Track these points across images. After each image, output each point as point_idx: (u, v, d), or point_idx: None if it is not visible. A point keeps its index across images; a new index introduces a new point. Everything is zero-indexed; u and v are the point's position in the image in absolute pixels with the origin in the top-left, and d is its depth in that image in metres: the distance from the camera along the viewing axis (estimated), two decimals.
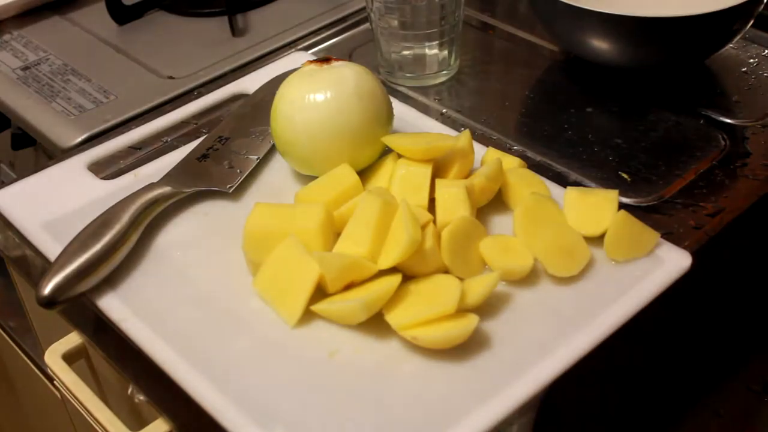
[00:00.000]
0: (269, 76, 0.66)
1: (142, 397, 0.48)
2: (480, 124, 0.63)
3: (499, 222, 0.53)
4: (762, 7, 0.62)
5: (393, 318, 0.45)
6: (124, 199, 0.52)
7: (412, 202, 0.49)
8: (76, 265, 0.48)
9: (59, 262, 0.48)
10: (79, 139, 0.65)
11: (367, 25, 0.74)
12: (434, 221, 0.49)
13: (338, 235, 0.48)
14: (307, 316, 0.46)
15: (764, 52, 0.70)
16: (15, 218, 0.55)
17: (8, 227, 0.55)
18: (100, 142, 0.62)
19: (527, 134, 0.62)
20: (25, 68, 0.74)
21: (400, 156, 0.53)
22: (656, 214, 0.54)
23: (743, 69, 0.68)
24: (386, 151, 0.55)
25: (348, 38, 0.75)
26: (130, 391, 0.49)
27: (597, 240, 0.50)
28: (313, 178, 0.54)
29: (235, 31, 0.77)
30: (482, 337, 0.45)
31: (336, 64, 0.54)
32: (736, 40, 0.64)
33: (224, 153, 0.58)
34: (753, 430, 0.51)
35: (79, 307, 0.49)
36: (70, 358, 0.54)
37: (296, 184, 0.56)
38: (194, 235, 0.53)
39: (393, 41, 0.66)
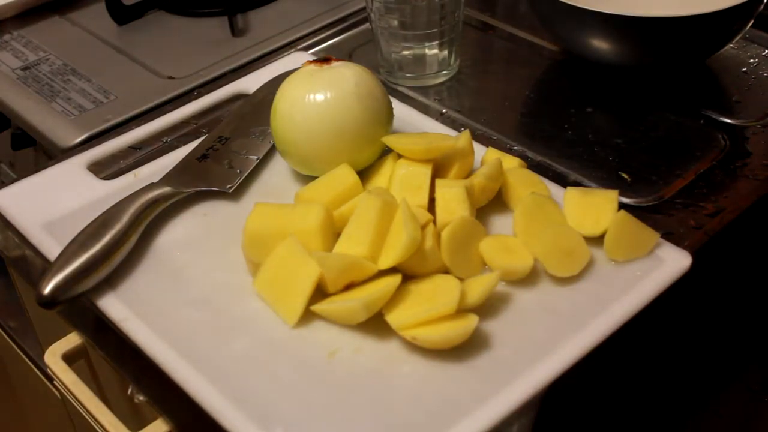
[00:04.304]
0: (269, 76, 0.66)
1: (142, 397, 0.48)
2: (480, 124, 0.63)
3: (499, 222, 0.53)
4: (762, 7, 0.62)
5: (393, 318, 0.45)
6: (124, 199, 0.52)
7: (412, 202, 0.49)
8: (76, 265, 0.48)
9: (59, 262, 0.48)
10: (79, 139, 0.65)
11: (367, 25, 0.74)
12: (434, 221, 0.49)
13: (338, 235, 0.48)
14: (307, 316, 0.46)
15: (764, 52, 0.70)
16: (15, 218, 0.55)
17: (8, 227, 0.55)
18: (100, 142, 0.62)
19: (527, 134, 0.62)
20: (25, 68, 0.74)
21: (400, 156, 0.53)
22: (656, 214, 0.54)
23: (743, 69, 0.68)
24: (386, 151, 0.55)
25: (348, 38, 0.75)
26: (130, 391, 0.49)
27: (597, 240, 0.50)
28: (313, 178, 0.54)
29: (235, 31, 0.77)
30: (482, 337, 0.45)
31: (336, 64, 0.54)
32: (736, 40, 0.64)
33: (224, 153, 0.58)
34: (753, 430, 0.51)
35: (79, 307, 0.49)
36: (70, 358, 0.54)
37: (296, 184, 0.56)
38: (194, 235, 0.53)
39: (393, 41, 0.66)
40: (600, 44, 0.63)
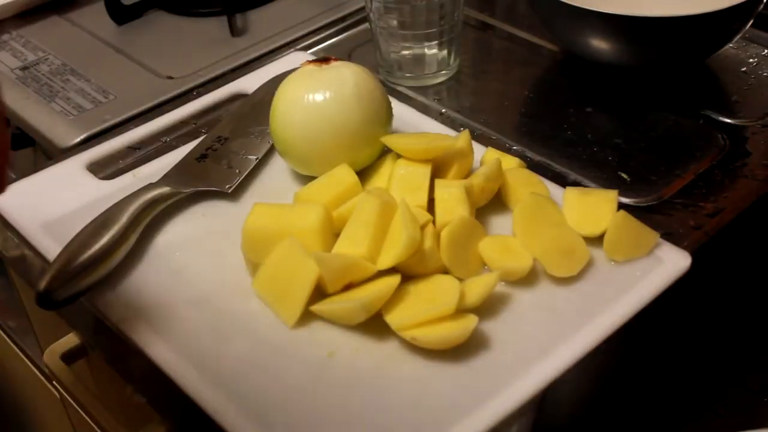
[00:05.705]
0: (269, 76, 0.66)
1: (141, 398, 0.48)
2: (479, 124, 0.63)
3: (499, 222, 0.52)
4: (762, 7, 0.61)
5: (392, 318, 0.45)
6: (123, 199, 0.52)
7: (412, 202, 0.49)
8: (75, 265, 0.47)
9: (58, 262, 0.48)
10: (78, 139, 0.65)
11: (366, 25, 0.74)
12: (433, 221, 0.49)
13: (337, 235, 0.48)
14: (306, 316, 0.46)
15: (764, 52, 0.69)
16: (15, 218, 0.55)
17: (8, 227, 0.55)
18: (99, 142, 0.62)
19: (527, 134, 0.62)
20: (24, 68, 0.74)
21: (399, 156, 0.53)
22: (656, 214, 0.54)
23: (743, 69, 0.68)
24: (386, 151, 0.55)
25: (348, 38, 0.75)
26: (128, 391, 0.49)
27: (596, 240, 0.50)
28: (313, 178, 0.54)
29: (235, 31, 0.77)
30: (482, 337, 0.45)
31: (335, 64, 0.54)
32: (736, 40, 0.64)
33: (223, 153, 0.58)
34: (753, 430, 0.51)
35: (78, 308, 0.49)
36: (69, 358, 0.54)
37: (295, 184, 0.56)
38: (193, 235, 0.53)
39: (392, 41, 0.66)
40: (600, 44, 0.63)
